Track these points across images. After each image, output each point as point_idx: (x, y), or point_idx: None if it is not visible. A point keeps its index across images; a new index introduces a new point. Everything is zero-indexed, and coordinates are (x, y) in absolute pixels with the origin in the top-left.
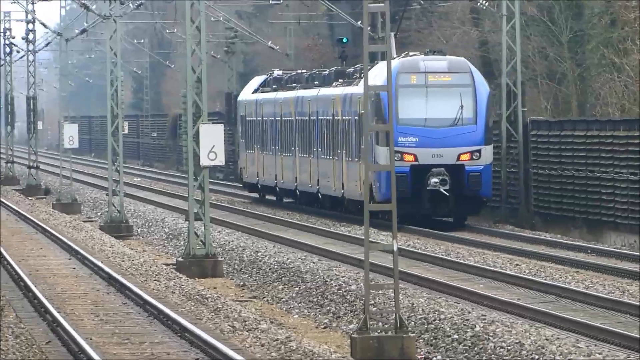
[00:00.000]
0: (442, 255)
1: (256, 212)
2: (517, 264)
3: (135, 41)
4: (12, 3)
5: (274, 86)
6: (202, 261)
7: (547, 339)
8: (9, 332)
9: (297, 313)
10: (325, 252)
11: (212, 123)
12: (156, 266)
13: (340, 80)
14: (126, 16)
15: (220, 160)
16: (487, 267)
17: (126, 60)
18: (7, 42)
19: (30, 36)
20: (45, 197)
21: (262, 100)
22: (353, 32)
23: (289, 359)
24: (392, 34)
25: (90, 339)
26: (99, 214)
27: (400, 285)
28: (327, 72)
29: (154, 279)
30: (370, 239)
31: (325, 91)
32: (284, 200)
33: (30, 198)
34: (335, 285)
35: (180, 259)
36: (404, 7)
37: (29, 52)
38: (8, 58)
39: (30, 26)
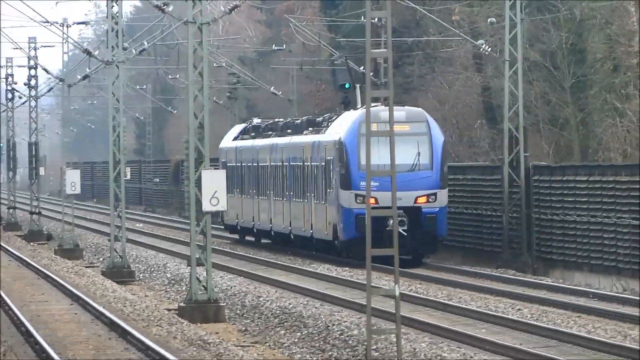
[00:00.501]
0: (444, 300)
1: (258, 257)
2: (519, 309)
3: (137, 87)
4: (14, 49)
5: (252, 134)
6: (204, 306)
7: None
8: None
9: (299, 358)
10: (327, 297)
11: (214, 169)
12: (158, 311)
13: (310, 129)
14: (129, 62)
15: (223, 206)
16: (489, 312)
17: (129, 106)
18: (9, 87)
19: (33, 82)
20: (47, 242)
21: (241, 147)
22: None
23: None
24: (358, 86)
25: None
26: (101, 259)
27: (402, 330)
28: (299, 120)
29: (156, 324)
30: (372, 284)
31: (297, 139)
32: (262, 240)
33: (32, 244)
34: (338, 330)
35: (182, 304)
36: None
37: (31, 98)
38: (10, 104)
39: (33, 72)
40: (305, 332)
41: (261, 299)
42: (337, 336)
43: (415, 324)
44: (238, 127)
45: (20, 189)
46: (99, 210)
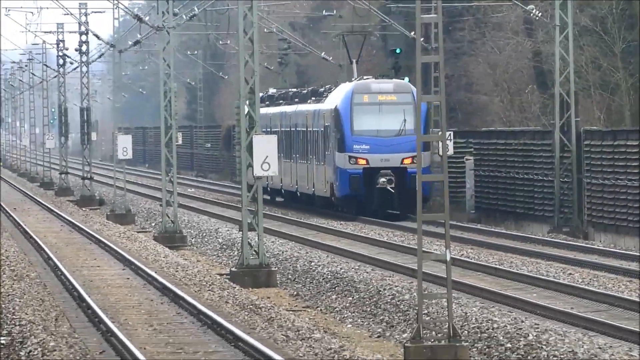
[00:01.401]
0: (496, 264)
1: (309, 222)
2: (571, 273)
3: (188, 53)
4: (65, 15)
5: (267, 102)
6: (255, 271)
7: (600, 348)
8: (63, 342)
9: (350, 322)
10: (378, 262)
11: (265, 134)
12: (210, 276)
13: (313, 98)
14: (179, 28)
15: (274, 171)
16: (541, 277)
17: (180, 72)
18: (60, 53)
19: (84, 48)
20: (99, 207)
21: (260, 114)
22: (406, 43)
23: None
24: (354, 60)
25: (144, 349)
26: (152, 224)
27: (453, 294)
28: (305, 91)
29: (208, 289)
30: (423, 249)
31: (302, 107)
32: (276, 199)
33: (84, 209)
34: (389, 295)
35: (233, 269)
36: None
37: (83, 64)
38: (62, 70)
39: (84, 38)
40: (357, 296)
41: (312, 263)
42: (389, 300)
43: (466, 289)
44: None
45: (72, 154)
46: (150, 176)
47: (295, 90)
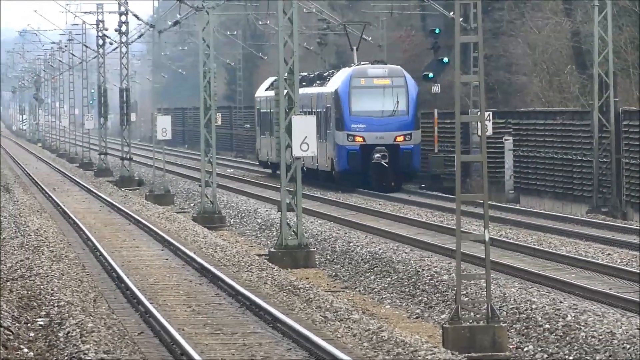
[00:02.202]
0: (534, 245)
1: (348, 203)
2: (609, 254)
3: (228, 33)
4: None
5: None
6: (294, 252)
7: (638, 329)
8: (102, 324)
9: (389, 303)
10: (417, 243)
11: (305, 114)
12: (248, 257)
13: (318, 82)
14: (219, 8)
15: (313, 151)
16: (579, 257)
17: (219, 52)
18: (100, 34)
19: (123, 28)
20: (138, 188)
21: (270, 97)
22: (445, 23)
23: (380, 349)
24: (355, 48)
25: (183, 330)
26: (191, 205)
27: (492, 275)
28: (312, 74)
29: (247, 270)
30: (462, 229)
31: (308, 90)
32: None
33: (123, 189)
34: (427, 276)
35: (272, 249)
36: None
37: (122, 44)
38: (101, 50)
39: (123, 18)
40: (395, 277)
41: (351, 244)
42: (427, 281)
43: (504, 269)
44: (270, 79)
45: (111, 135)
46: (189, 156)
47: (304, 74)
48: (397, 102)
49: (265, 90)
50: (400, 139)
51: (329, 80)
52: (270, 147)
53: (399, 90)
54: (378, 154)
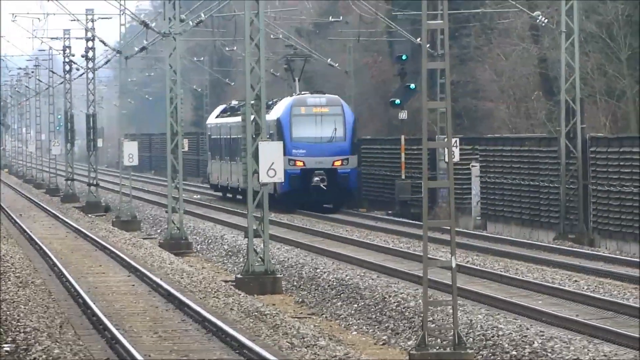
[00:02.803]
0: (501, 271)
1: (315, 229)
2: (576, 280)
3: (195, 59)
4: (72, 21)
5: (228, 113)
6: (261, 278)
7: (605, 356)
8: (68, 350)
9: (355, 329)
10: (384, 269)
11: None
12: (215, 283)
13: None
14: (186, 34)
15: (280, 177)
16: (546, 284)
17: (186, 78)
18: (67, 59)
19: (90, 54)
20: (105, 214)
21: (220, 124)
22: (412, 49)
23: None
24: (297, 79)
25: (149, 356)
26: (158, 231)
27: (458, 301)
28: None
29: (213, 296)
30: (428, 256)
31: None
32: (234, 195)
33: (90, 215)
34: (394, 302)
35: (239, 275)
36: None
37: (89, 70)
38: (68, 76)
39: (90, 44)
40: (362, 303)
41: (318, 270)
42: (394, 308)
43: (471, 296)
44: (220, 107)
45: (78, 161)
46: (156, 182)
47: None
48: (335, 129)
49: (216, 117)
50: (337, 163)
51: (272, 109)
52: (220, 171)
53: (337, 118)
54: (317, 177)
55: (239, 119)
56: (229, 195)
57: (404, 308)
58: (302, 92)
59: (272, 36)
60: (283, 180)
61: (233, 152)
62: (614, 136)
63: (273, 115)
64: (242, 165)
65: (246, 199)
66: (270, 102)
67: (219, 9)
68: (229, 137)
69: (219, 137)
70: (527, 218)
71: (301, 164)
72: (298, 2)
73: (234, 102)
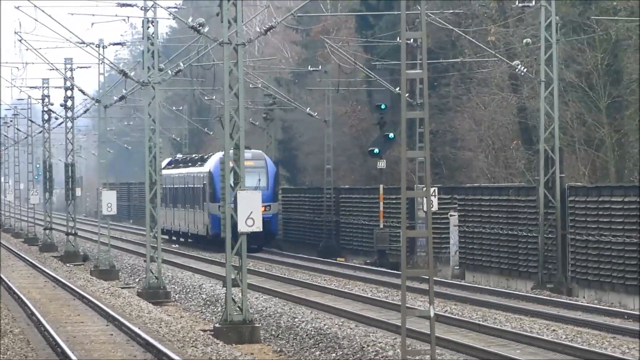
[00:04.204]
0: (479, 321)
1: (293, 279)
2: (554, 329)
3: (174, 107)
4: (50, 70)
5: (173, 165)
6: (239, 327)
7: None
8: None
9: None
10: (362, 318)
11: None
12: (193, 332)
13: (199, 163)
14: (165, 83)
15: (258, 227)
16: (524, 333)
17: (165, 127)
18: (45, 109)
19: (69, 103)
20: (83, 263)
21: (166, 174)
22: (392, 98)
23: None
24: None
25: None
26: (136, 280)
27: (437, 351)
28: (195, 157)
29: (191, 345)
30: (407, 305)
31: (191, 169)
32: (179, 239)
33: (68, 265)
34: (372, 352)
35: (217, 325)
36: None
37: (68, 119)
38: (46, 125)
39: (69, 93)
40: (340, 352)
41: (296, 319)
42: (372, 357)
43: (450, 345)
44: (167, 160)
45: (56, 210)
46: (135, 232)
47: (193, 156)
48: (259, 179)
49: (163, 168)
50: (262, 209)
51: (206, 162)
52: (165, 216)
53: (261, 170)
54: None
55: (181, 170)
56: (174, 238)
57: (382, 357)
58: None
59: (251, 85)
60: (214, 227)
61: (176, 200)
62: (592, 185)
63: (205, 167)
64: (182, 211)
65: (190, 238)
66: (206, 157)
67: (198, 58)
68: (172, 186)
69: (164, 186)
70: (505, 267)
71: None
72: (277, 51)
73: (179, 155)
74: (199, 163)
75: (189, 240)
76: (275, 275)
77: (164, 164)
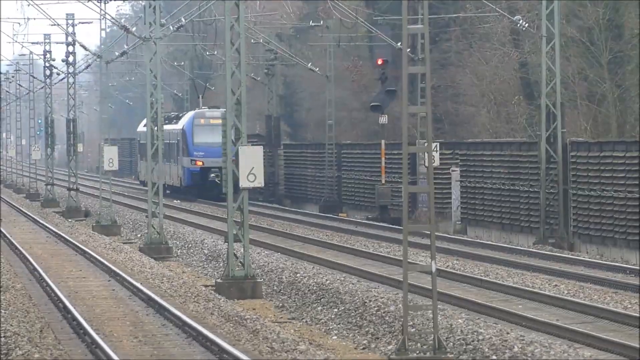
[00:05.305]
0: (481, 276)
1: (295, 234)
2: (556, 285)
3: (175, 63)
4: (52, 25)
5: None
6: (241, 282)
7: None
8: (48, 354)
9: (336, 334)
10: (364, 273)
11: (252, 145)
12: (195, 287)
13: (175, 121)
14: (166, 38)
15: (260, 182)
16: (526, 288)
17: (166, 83)
18: (47, 64)
19: (71, 58)
20: (85, 219)
21: (144, 132)
22: (393, 53)
23: None
24: (201, 96)
25: None
26: (138, 235)
27: (439, 306)
28: (173, 114)
29: (193, 301)
30: (408, 260)
31: (168, 126)
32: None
33: (70, 220)
34: (374, 307)
35: (219, 280)
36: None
37: (69, 75)
38: (48, 80)
39: (71, 48)
40: (342, 308)
41: (298, 275)
42: (374, 312)
43: (451, 300)
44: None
45: (58, 166)
46: (137, 187)
47: (170, 114)
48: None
49: (144, 126)
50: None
51: (180, 120)
52: (145, 169)
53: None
54: (213, 173)
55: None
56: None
57: (384, 312)
58: (203, 107)
59: (252, 41)
60: (190, 179)
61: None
62: (594, 140)
63: (179, 125)
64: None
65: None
66: (181, 115)
67: (200, 13)
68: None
69: (144, 142)
70: (507, 222)
71: (201, 163)
72: (278, 6)
73: None
74: (174, 121)
75: (167, 191)
76: (277, 231)
77: (144, 121)
